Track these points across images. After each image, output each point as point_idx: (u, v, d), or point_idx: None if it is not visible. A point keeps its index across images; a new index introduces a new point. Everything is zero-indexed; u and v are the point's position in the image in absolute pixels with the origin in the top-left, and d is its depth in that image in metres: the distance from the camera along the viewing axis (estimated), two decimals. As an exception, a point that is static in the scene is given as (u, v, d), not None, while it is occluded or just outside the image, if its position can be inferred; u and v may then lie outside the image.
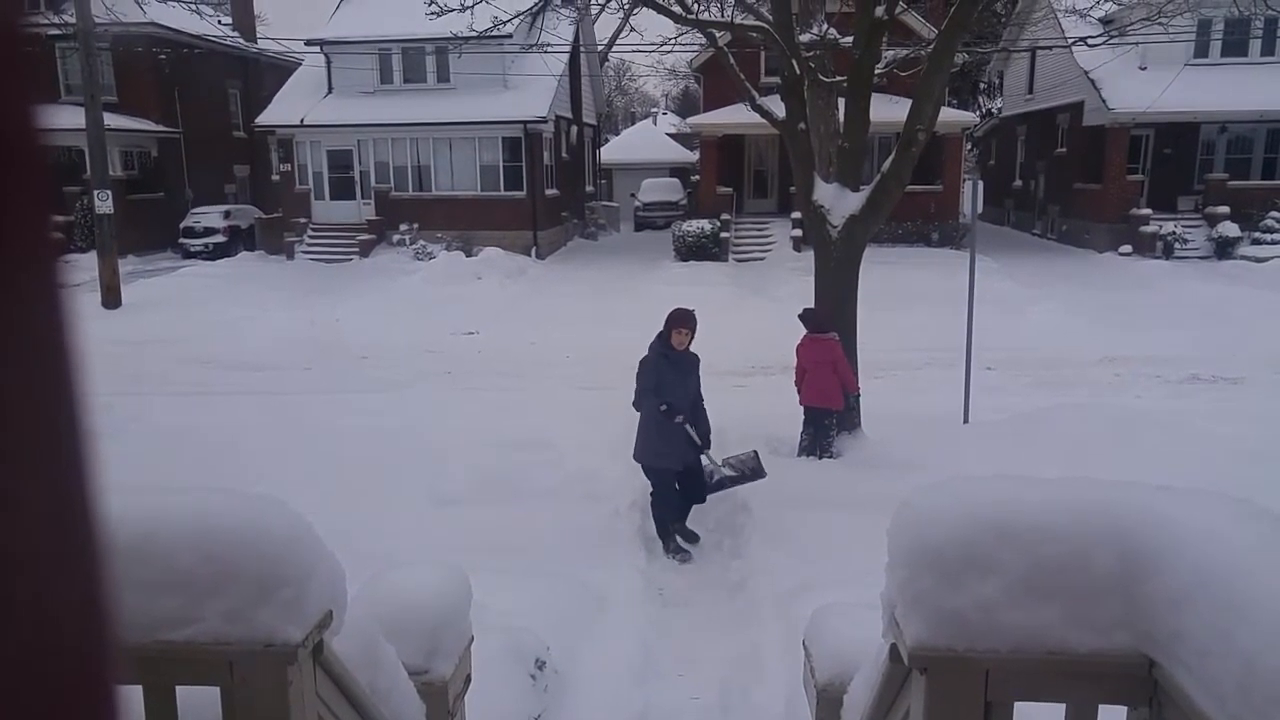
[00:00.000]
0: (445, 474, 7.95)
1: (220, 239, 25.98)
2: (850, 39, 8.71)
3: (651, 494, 6.80)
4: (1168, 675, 1.61)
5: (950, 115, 21.50)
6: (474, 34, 11.37)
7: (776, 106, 9.42)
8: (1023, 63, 29.50)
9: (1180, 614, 1.58)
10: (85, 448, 0.40)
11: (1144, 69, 22.72)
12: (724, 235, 23.44)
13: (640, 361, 6.62)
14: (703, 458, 6.84)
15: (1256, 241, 21.94)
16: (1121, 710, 1.83)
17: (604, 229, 31.26)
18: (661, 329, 6.63)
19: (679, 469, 6.68)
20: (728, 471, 6.98)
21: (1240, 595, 1.46)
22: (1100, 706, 1.82)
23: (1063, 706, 1.84)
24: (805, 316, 8.45)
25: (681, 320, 6.60)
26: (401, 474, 8.07)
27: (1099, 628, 1.70)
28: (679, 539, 6.73)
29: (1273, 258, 21.05)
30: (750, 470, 7.03)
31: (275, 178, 26.92)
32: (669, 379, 6.51)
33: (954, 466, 6.86)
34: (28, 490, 0.38)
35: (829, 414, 8.39)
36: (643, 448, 6.67)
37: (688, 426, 6.59)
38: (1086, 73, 23.46)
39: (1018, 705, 1.85)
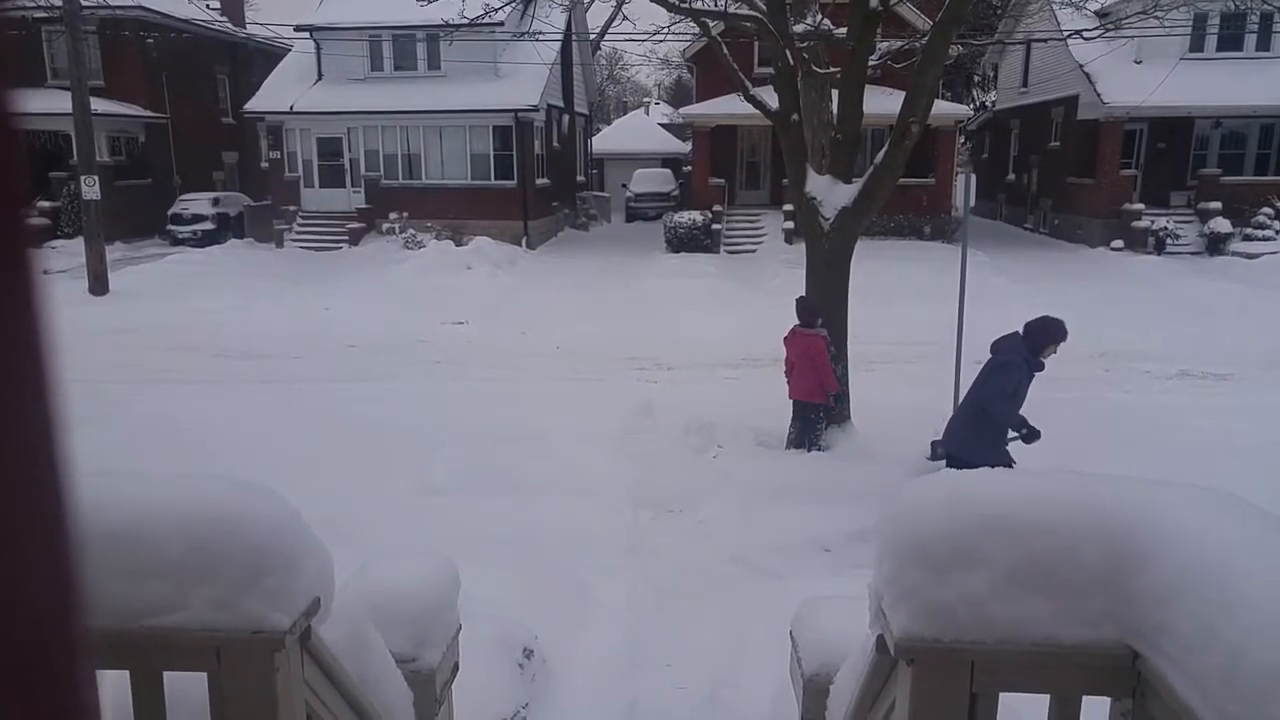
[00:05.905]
0: (434, 464, 7.95)
1: (209, 226, 25.79)
2: (844, 30, 8.69)
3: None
4: (1151, 667, 1.63)
5: (943, 108, 21.51)
6: (465, 21, 11.30)
7: (769, 97, 9.40)
8: (1017, 56, 29.52)
9: (1167, 608, 1.59)
10: (59, 438, 0.40)
11: (1139, 63, 22.74)
12: (716, 227, 23.44)
13: (1006, 364, 6.30)
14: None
15: (1248, 238, 22.02)
16: (1103, 702, 1.84)
17: (595, 219, 31.18)
18: (1025, 336, 6.31)
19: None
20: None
21: (1226, 590, 1.47)
22: (1084, 698, 1.83)
23: (1046, 697, 1.85)
24: (799, 305, 8.45)
25: (1061, 334, 6.28)
26: (391, 464, 8.07)
27: (1086, 620, 1.71)
28: None
29: (1264, 254, 21.12)
30: None
31: (264, 165, 26.74)
32: (1022, 392, 6.36)
33: (944, 460, 6.89)
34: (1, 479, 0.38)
35: (815, 408, 8.42)
36: (967, 442, 6.48)
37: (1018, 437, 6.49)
38: (1081, 66, 23.42)
39: (1002, 696, 1.86)
